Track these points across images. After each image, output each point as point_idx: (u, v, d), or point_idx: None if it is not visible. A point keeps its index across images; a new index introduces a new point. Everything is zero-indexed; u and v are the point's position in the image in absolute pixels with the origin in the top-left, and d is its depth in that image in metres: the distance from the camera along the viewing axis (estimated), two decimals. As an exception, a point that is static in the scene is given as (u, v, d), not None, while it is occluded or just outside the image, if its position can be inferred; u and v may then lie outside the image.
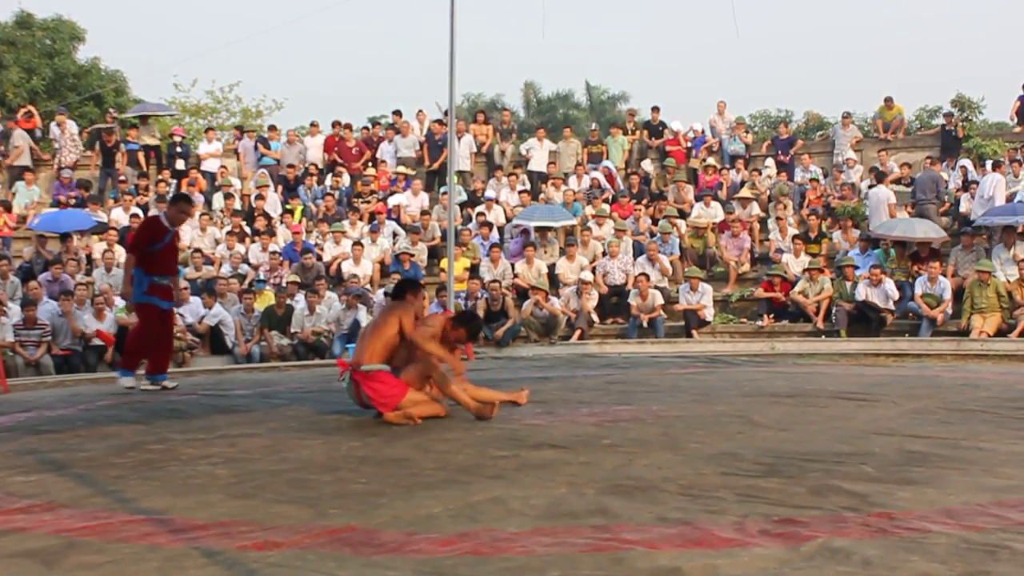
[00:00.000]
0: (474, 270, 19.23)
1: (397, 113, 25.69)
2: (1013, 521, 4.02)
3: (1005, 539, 3.73)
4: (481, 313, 16.67)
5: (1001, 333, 15.98)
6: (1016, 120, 23.50)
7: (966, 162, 21.62)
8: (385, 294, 17.42)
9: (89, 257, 19.37)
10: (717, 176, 22.71)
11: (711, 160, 23.33)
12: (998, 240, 17.99)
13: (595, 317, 18.00)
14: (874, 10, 78.90)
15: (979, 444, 5.89)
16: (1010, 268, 17.07)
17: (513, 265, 19.46)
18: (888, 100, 24.11)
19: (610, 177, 23.08)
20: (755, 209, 21.18)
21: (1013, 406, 7.64)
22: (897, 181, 20.97)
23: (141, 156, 24.32)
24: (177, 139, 24.67)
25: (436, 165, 23.50)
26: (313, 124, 25.51)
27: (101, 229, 20.59)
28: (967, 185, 20.32)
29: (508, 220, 21.62)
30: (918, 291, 16.92)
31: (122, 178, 23.20)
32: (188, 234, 20.65)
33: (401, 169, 23.68)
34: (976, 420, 6.90)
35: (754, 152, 24.49)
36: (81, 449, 6.40)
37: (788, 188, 21.78)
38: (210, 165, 24.20)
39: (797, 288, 17.77)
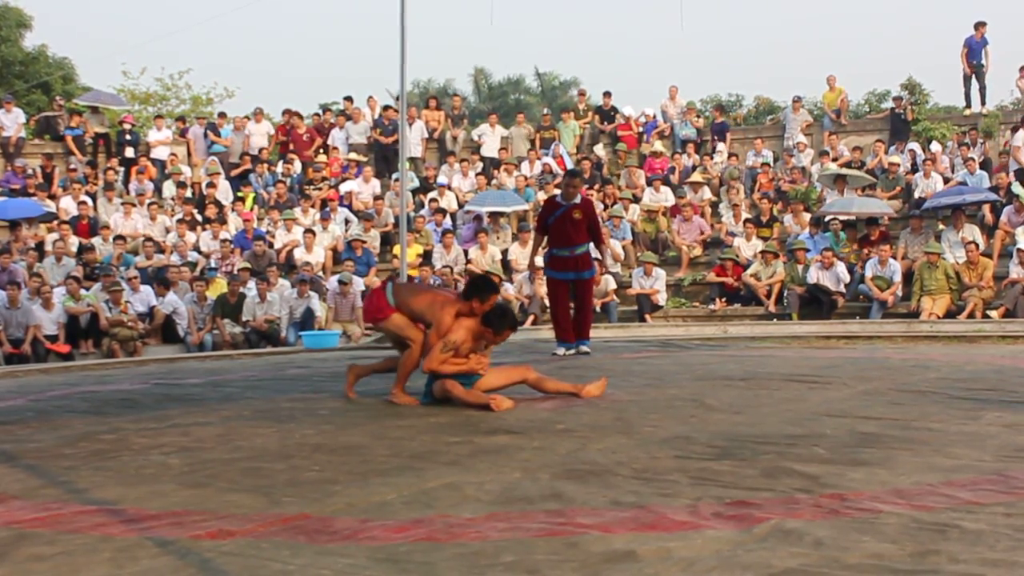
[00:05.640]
0: (427, 256, 19.23)
1: (348, 99, 25.61)
2: (962, 500, 4.06)
3: (955, 518, 3.76)
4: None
5: (950, 315, 16.15)
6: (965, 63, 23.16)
7: (914, 145, 21.83)
8: (339, 282, 17.38)
9: (39, 246, 19.18)
10: (666, 160, 22.81)
11: (657, 145, 23.43)
12: (947, 222, 18.20)
13: (548, 302, 18.00)
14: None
15: (929, 425, 5.94)
16: (958, 250, 17.25)
17: (466, 251, 19.47)
18: (830, 79, 24.22)
19: (561, 162, 23.09)
20: (706, 193, 21.28)
21: (962, 387, 7.71)
22: (847, 164, 21.11)
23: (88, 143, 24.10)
24: (127, 127, 24.46)
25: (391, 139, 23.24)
26: (257, 111, 25.29)
27: (49, 218, 20.42)
28: (915, 168, 20.52)
29: (461, 206, 21.61)
30: (868, 274, 17.06)
31: (72, 167, 22.98)
32: (139, 222, 20.54)
33: (353, 156, 23.61)
34: (926, 401, 6.95)
35: (705, 137, 24.59)
36: (31, 440, 6.33)
37: (739, 172, 21.90)
38: (160, 153, 23.98)
39: (750, 271, 17.88)
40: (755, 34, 74.65)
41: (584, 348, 11.67)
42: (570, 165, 23.04)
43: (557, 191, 21.02)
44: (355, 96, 25.42)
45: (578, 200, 11.60)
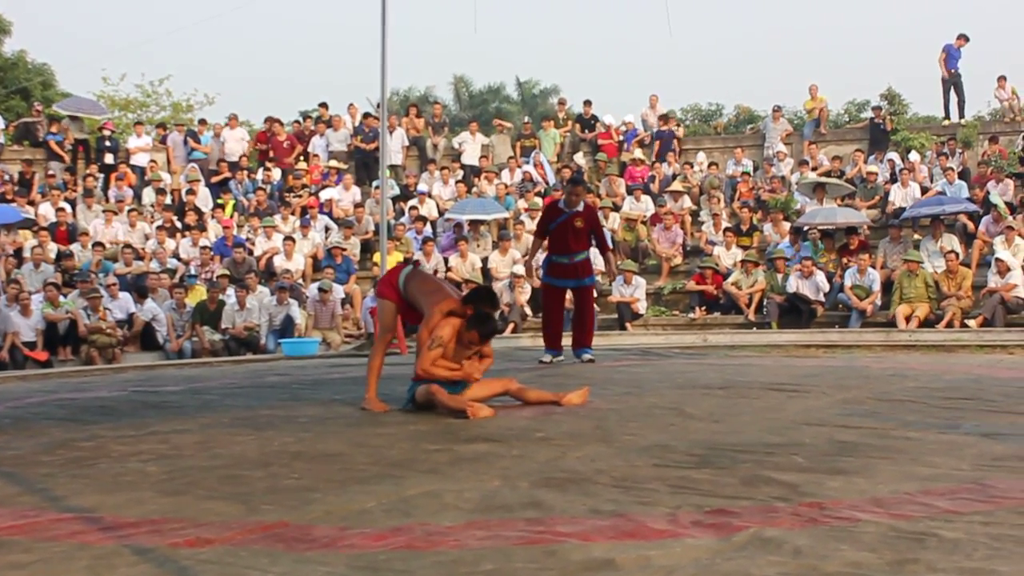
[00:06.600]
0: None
1: (323, 106, 25.55)
2: (940, 509, 4.06)
3: (932, 527, 3.77)
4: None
5: (929, 324, 16.20)
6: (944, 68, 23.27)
7: (893, 155, 21.93)
8: (319, 289, 17.37)
9: (17, 252, 19.09)
10: (647, 169, 22.86)
11: (637, 153, 23.47)
12: (925, 232, 18.29)
13: (528, 311, 18.02)
14: (805, 6, 79.50)
15: (907, 434, 5.95)
16: (937, 260, 17.32)
17: (446, 259, 19.45)
18: (812, 88, 24.30)
19: (541, 169, 23.10)
20: (687, 202, 21.32)
21: (940, 395, 7.73)
22: (827, 174, 21.20)
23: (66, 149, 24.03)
24: (106, 133, 24.39)
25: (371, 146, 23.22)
26: (231, 117, 25.17)
27: (28, 224, 20.33)
28: (894, 178, 20.61)
29: (441, 214, 21.61)
30: (847, 283, 17.11)
31: (51, 173, 22.91)
32: (118, 229, 20.47)
33: (333, 163, 23.59)
34: (904, 410, 6.96)
35: (686, 146, 24.65)
36: (8, 447, 6.30)
37: (719, 181, 21.95)
38: (139, 159, 23.93)
39: (731, 279, 17.92)
40: (736, 44, 74.92)
41: (587, 356, 11.55)
42: (551, 173, 23.08)
43: (537, 199, 21.14)
44: (333, 103, 25.45)
45: (580, 208, 11.57)
